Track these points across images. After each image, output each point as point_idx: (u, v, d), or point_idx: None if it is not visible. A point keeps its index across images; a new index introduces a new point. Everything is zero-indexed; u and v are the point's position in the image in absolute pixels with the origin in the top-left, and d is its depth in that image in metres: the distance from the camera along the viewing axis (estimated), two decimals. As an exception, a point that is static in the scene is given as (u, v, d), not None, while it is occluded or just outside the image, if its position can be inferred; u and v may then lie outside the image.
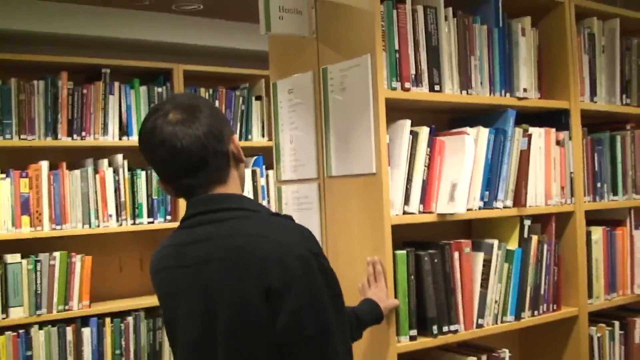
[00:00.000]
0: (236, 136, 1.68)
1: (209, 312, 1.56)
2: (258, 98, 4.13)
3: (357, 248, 2.21)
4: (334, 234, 2.30)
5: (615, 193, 2.88)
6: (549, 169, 2.59)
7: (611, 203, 2.86)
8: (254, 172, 4.05)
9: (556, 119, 2.68)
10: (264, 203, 4.06)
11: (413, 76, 2.24)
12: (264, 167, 4.11)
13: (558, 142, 2.64)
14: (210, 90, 3.94)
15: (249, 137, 4.09)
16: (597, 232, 2.78)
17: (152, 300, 3.73)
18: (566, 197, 2.65)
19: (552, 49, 2.68)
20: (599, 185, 2.82)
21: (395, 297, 2.14)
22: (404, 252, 2.17)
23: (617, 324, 2.85)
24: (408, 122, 2.22)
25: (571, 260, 2.67)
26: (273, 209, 4.05)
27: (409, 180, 2.23)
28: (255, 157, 4.11)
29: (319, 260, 1.54)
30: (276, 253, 1.51)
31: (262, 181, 4.08)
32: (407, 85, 2.21)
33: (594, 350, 2.73)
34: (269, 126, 4.18)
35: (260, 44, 4.05)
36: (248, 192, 4.01)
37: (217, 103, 3.95)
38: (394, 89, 2.18)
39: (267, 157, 4.15)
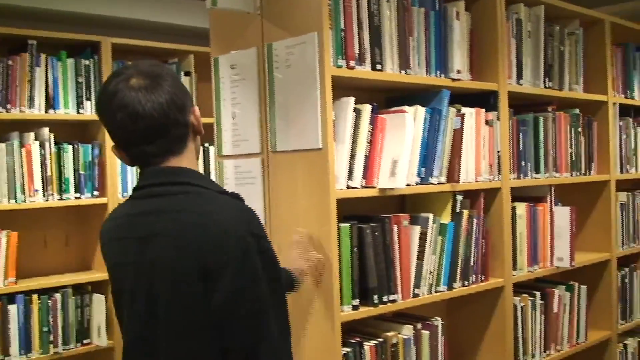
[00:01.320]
0: (197, 108, 1.69)
1: (152, 287, 1.58)
2: (187, 74, 4.11)
3: (302, 221, 2.27)
4: (278, 208, 2.35)
5: (537, 171, 3.04)
6: (479, 147, 2.72)
7: (534, 180, 3.02)
8: (182, 148, 4.04)
9: (485, 100, 2.80)
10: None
11: (357, 55, 2.31)
12: (193, 143, 4.10)
13: (487, 122, 2.76)
14: (139, 65, 3.89)
15: (178, 113, 4.06)
16: (521, 208, 2.94)
17: (79, 277, 3.70)
18: (494, 174, 2.79)
19: (483, 33, 2.80)
20: (523, 163, 2.97)
21: (339, 268, 2.21)
22: (348, 225, 2.25)
23: (538, 294, 3.03)
24: (352, 99, 2.29)
25: (498, 234, 2.81)
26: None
27: (352, 156, 2.30)
28: (184, 133, 4.09)
29: (259, 242, 1.55)
30: (215, 233, 1.52)
31: (191, 157, 4.07)
32: (352, 63, 2.28)
33: (517, 318, 2.90)
34: (198, 102, 4.16)
35: (191, 20, 4.05)
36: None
37: (146, 78, 3.91)
38: (340, 67, 2.24)
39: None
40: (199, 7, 4.02)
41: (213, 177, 3.92)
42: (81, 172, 3.67)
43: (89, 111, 3.69)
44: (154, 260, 1.57)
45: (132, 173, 3.87)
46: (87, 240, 3.91)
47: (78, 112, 3.66)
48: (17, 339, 3.44)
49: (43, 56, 3.54)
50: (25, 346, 3.47)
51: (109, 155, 3.70)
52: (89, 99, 3.69)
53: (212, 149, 4.18)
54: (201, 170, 4.07)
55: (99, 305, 3.68)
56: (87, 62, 3.68)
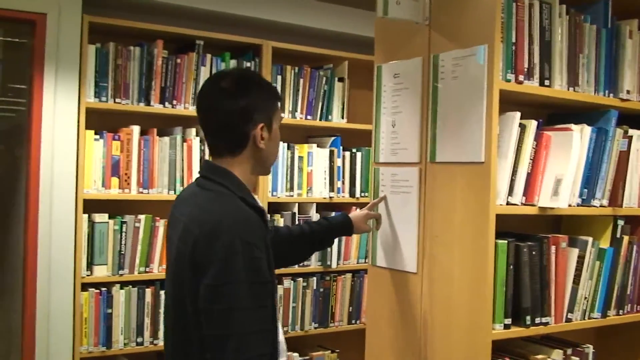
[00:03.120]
0: (263, 125, 1.90)
1: (170, 264, 1.89)
2: (341, 79, 4.18)
3: (457, 233, 2.25)
4: (433, 218, 2.35)
5: None
6: (645, 171, 2.61)
7: (701, 210, 2.86)
8: (331, 153, 4.12)
9: (655, 122, 2.69)
10: (339, 184, 4.13)
11: (526, 69, 2.27)
12: (341, 148, 4.17)
13: (655, 146, 2.65)
14: (296, 69, 4.00)
15: (329, 117, 4.14)
16: (686, 238, 2.78)
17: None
18: (658, 200, 2.66)
19: (657, 53, 2.69)
20: (690, 191, 2.81)
21: (494, 286, 2.18)
22: (505, 242, 2.22)
23: (697, 330, 2.86)
24: (518, 114, 2.26)
25: (658, 263, 2.68)
26: (347, 189, 4.13)
27: (514, 171, 2.27)
28: (333, 138, 4.17)
29: (248, 249, 1.72)
30: (209, 230, 1.74)
31: (338, 162, 4.14)
32: (521, 78, 2.25)
33: (672, 354, 2.76)
34: (348, 108, 4.24)
35: (348, 27, 4.12)
36: (324, 172, 4.08)
37: (301, 81, 4.02)
38: (508, 80, 2.22)
39: (345, 139, 4.21)
40: (357, 14, 4.08)
41: (347, 184, 4.02)
42: (235, 168, 3.80)
43: (247, 111, 3.82)
44: (174, 239, 1.87)
45: (283, 173, 3.97)
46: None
47: (237, 112, 3.80)
48: (165, 323, 3.62)
49: (208, 56, 3.71)
50: (172, 331, 3.64)
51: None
52: (247, 99, 3.82)
53: (359, 155, 4.23)
54: (326, 176, 4.14)
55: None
56: (248, 63, 3.82)
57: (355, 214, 2.52)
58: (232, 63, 3.78)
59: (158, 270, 3.59)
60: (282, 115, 2.11)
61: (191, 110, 3.65)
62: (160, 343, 3.57)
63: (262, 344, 1.75)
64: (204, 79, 3.67)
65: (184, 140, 3.64)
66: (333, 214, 4.10)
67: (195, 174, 3.60)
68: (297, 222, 3.90)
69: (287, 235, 2.39)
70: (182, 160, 3.63)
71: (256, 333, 1.72)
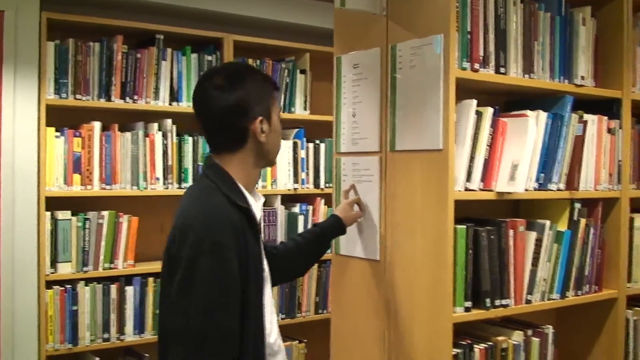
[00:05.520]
0: (261, 118, 1.89)
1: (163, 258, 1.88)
2: (302, 72, 4.20)
3: (418, 220, 2.29)
4: (394, 205, 2.39)
5: (659, 182, 2.96)
6: (600, 155, 2.67)
7: (655, 192, 2.94)
8: (295, 144, 4.14)
9: (608, 108, 2.75)
10: (303, 175, 4.15)
11: (481, 58, 2.32)
12: (304, 139, 4.19)
13: (609, 130, 2.71)
14: (258, 61, 4.01)
15: (292, 109, 4.16)
16: (640, 219, 2.87)
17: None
18: (613, 183, 2.74)
19: (609, 40, 2.75)
20: (644, 174, 2.90)
21: (454, 270, 2.22)
22: (464, 227, 2.26)
23: (653, 308, 2.95)
24: (474, 102, 2.30)
25: (614, 244, 2.76)
26: (311, 180, 4.15)
27: (472, 158, 2.31)
28: (297, 130, 4.19)
29: (218, 248, 1.72)
30: (182, 230, 1.75)
31: (302, 153, 4.16)
32: (476, 66, 2.29)
33: (629, 332, 2.83)
34: (311, 99, 4.26)
35: (309, 19, 4.13)
36: (288, 163, 4.10)
37: (263, 74, 4.03)
38: (464, 69, 2.26)
39: (308, 130, 4.23)
40: (318, 7, 4.10)
41: (311, 174, 4.04)
42: (199, 162, 3.81)
43: (210, 104, 3.82)
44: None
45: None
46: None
47: (200, 105, 3.80)
48: (132, 319, 3.61)
49: (169, 50, 3.71)
50: (140, 326, 3.64)
51: (225, 148, 3.83)
52: (209, 92, 3.82)
53: (322, 146, 4.25)
54: (290, 167, 4.17)
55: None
56: (209, 57, 3.82)
57: (338, 208, 2.48)
58: (193, 57, 3.77)
59: (123, 266, 3.58)
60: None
61: (152, 104, 3.65)
62: (128, 338, 3.58)
63: (218, 348, 1.74)
64: (165, 73, 3.68)
65: (146, 135, 3.63)
66: (298, 205, 4.13)
67: (159, 169, 3.63)
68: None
69: (285, 252, 2.32)
70: (145, 155, 3.62)
71: (214, 331, 1.72)
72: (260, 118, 1.88)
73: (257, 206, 1.95)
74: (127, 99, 3.59)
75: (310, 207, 4.19)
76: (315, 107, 4.30)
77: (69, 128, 3.46)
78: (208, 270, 1.71)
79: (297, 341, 4.22)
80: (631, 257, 2.83)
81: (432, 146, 2.23)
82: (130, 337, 3.60)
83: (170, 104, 3.71)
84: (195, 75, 3.77)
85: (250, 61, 3.98)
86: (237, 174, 1.89)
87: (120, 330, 3.58)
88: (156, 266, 3.69)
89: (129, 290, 3.61)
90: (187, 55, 3.77)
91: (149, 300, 3.66)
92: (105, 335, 3.53)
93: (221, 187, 1.84)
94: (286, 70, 4.12)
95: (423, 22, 2.29)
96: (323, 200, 4.25)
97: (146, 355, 3.60)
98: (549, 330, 2.56)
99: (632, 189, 2.83)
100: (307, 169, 4.20)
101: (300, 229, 4.06)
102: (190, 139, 3.77)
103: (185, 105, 3.75)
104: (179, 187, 3.73)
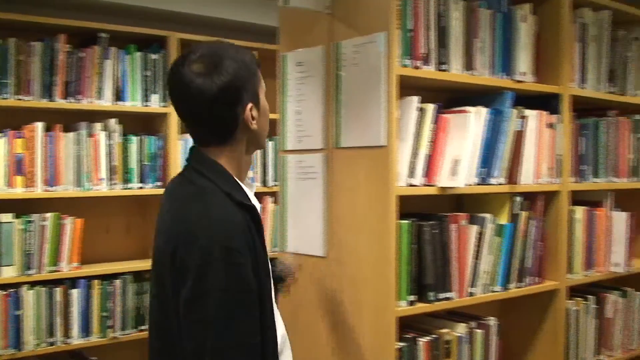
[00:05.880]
0: (251, 105, 1.70)
1: (154, 263, 1.72)
2: (249, 70, 4.19)
3: (362, 216, 2.32)
4: (339, 202, 2.41)
5: (597, 175, 3.04)
6: (540, 150, 2.73)
7: (593, 185, 3.02)
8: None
9: (548, 103, 2.81)
10: (251, 173, 4.14)
11: (423, 55, 2.35)
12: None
13: (549, 125, 2.77)
14: (204, 60, 3.99)
15: (239, 108, 4.14)
16: (580, 212, 2.94)
17: (140, 265, 3.80)
18: (553, 177, 2.80)
19: (548, 36, 2.81)
20: (582, 167, 2.98)
21: (398, 264, 2.25)
22: (408, 222, 2.29)
23: (592, 299, 3.03)
24: (416, 98, 2.33)
25: (555, 237, 2.82)
26: (259, 178, 4.16)
27: (415, 154, 2.34)
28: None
29: (230, 255, 1.55)
30: (187, 236, 1.58)
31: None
32: (418, 63, 2.32)
33: (570, 322, 2.91)
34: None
35: (256, 17, 4.13)
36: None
37: (209, 73, 4.01)
38: (406, 66, 2.29)
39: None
40: (264, 5, 4.10)
41: (272, 170, 4.03)
42: (145, 162, 3.78)
43: (155, 104, 3.80)
44: (160, 237, 1.71)
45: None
46: (147, 229, 4.01)
47: (144, 105, 3.77)
48: (77, 322, 3.56)
49: (113, 49, 3.66)
50: (85, 329, 3.58)
51: (173, 147, 3.81)
52: (155, 92, 3.80)
53: (271, 144, 4.25)
54: (262, 163, 4.17)
55: (157, 292, 3.78)
56: (154, 56, 3.79)
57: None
58: (138, 56, 3.73)
59: (67, 269, 3.52)
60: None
61: (96, 104, 3.60)
62: (74, 342, 3.53)
63: (244, 358, 1.58)
64: (109, 72, 3.63)
65: (89, 135, 3.58)
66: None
67: (103, 170, 3.58)
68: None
69: None
70: (89, 155, 3.57)
71: (237, 347, 1.56)
72: (249, 105, 1.69)
73: (255, 200, 1.79)
74: (71, 98, 3.53)
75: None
76: (262, 105, 4.28)
77: (11, 129, 3.39)
78: (222, 279, 1.54)
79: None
80: (572, 249, 2.90)
81: (375, 143, 2.26)
82: (76, 340, 3.55)
83: (114, 103, 3.67)
84: (140, 74, 3.74)
85: (196, 60, 3.96)
86: (229, 165, 1.72)
87: (66, 333, 3.52)
88: (102, 268, 3.68)
89: (75, 293, 3.55)
90: (132, 53, 3.73)
91: (94, 303, 3.61)
92: (51, 340, 3.46)
93: (220, 185, 1.66)
94: (232, 69, 4.09)
95: (366, 20, 2.31)
96: (272, 199, 4.25)
97: (93, 358, 3.56)
98: (493, 322, 2.61)
99: (572, 182, 2.90)
100: (255, 166, 4.20)
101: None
102: (135, 138, 3.73)
103: (130, 104, 3.71)
104: (124, 188, 3.69)
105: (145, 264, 3.84)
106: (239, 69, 1.66)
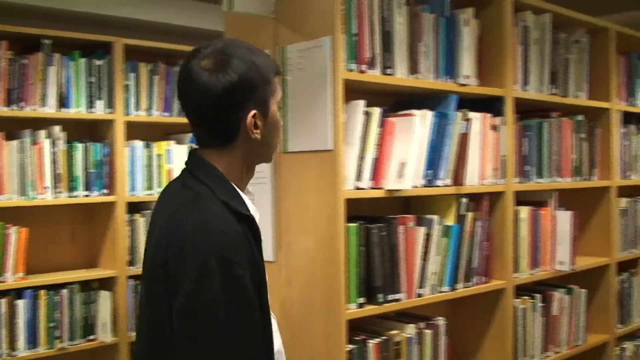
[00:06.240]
0: (255, 113, 1.58)
1: (145, 270, 1.62)
2: (196, 75, 4.16)
3: (311, 220, 2.32)
4: (288, 206, 2.41)
5: (541, 176, 3.11)
6: (484, 151, 2.77)
7: (537, 185, 3.08)
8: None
9: (492, 105, 2.86)
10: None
11: (368, 59, 2.37)
12: (200, 143, 4.15)
13: (493, 127, 2.82)
14: (150, 66, 3.96)
15: (186, 113, 4.11)
16: (524, 212, 3.00)
17: (87, 274, 3.75)
18: (498, 178, 2.85)
19: (491, 39, 2.86)
20: (527, 168, 3.03)
21: (346, 267, 2.26)
22: (356, 224, 2.31)
23: (538, 297, 3.08)
24: (362, 102, 2.35)
25: (501, 236, 2.87)
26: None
27: (361, 157, 2.36)
28: (192, 135, 4.15)
29: (229, 267, 1.46)
30: (181, 246, 1.48)
31: (198, 157, 4.13)
32: (363, 67, 2.34)
33: (518, 320, 2.96)
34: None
35: (202, 22, 4.11)
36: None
37: (156, 78, 3.98)
38: (351, 70, 2.30)
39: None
40: (210, 10, 4.08)
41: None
42: (91, 170, 3.72)
43: (101, 110, 3.75)
44: (150, 242, 1.62)
45: (142, 172, 3.93)
46: (94, 237, 3.96)
47: (89, 111, 3.72)
48: (24, 334, 3.49)
49: (57, 55, 3.60)
50: (32, 341, 3.52)
51: (119, 154, 3.77)
52: (100, 98, 3.75)
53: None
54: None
55: (105, 301, 3.74)
56: (99, 62, 3.74)
57: None
58: (82, 62, 3.68)
59: (13, 279, 3.45)
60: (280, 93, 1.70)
61: (40, 111, 3.53)
62: (20, 354, 3.46)
63: None
64: (53, 78, 3.57)
65: (33, 143, 3.51)
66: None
67: (48, 178, 3.51)
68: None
69: None
70: (33, 163, 3.50)
71: None
72: (253, 112, 1.57)
73: (254, 209, 1.67)
74: (13, 106, 3.47)
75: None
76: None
77: (-49, 137, 3.31)
78: (220, 293, 1.44)
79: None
80: (517, 249, 2.96)
81: (322, 147, 2.27)
82: (22, 352, 3.48)
83: (59, 110, 3.61)
84: (85, 81, 3.69)
85: (143, 65, 3.93)
86: (229, 171, 1.61)
87: (12, 345, 3.45)
88: (49, 278, 3.61)
89: (20, 303, 3.48)
90: (76, 59, 3.67)
91: (41, 314, 3.54)
92: (-4, 352, 3.40)
93: (217, 192, 1.55)
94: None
95: (310, 24, 2.32)
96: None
97: (40, 370, 3.49)
98: (441, 322, 2.64)
99: (516, 183, 2.95)
100: (204, 173, 4.17)
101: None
102: (80, 145, 3.68)
103: (75, 111, 3.66)
104: (70, 196, 3.63)
105: (94, 273, 3.79)
106: (248, 70, 1.56)
